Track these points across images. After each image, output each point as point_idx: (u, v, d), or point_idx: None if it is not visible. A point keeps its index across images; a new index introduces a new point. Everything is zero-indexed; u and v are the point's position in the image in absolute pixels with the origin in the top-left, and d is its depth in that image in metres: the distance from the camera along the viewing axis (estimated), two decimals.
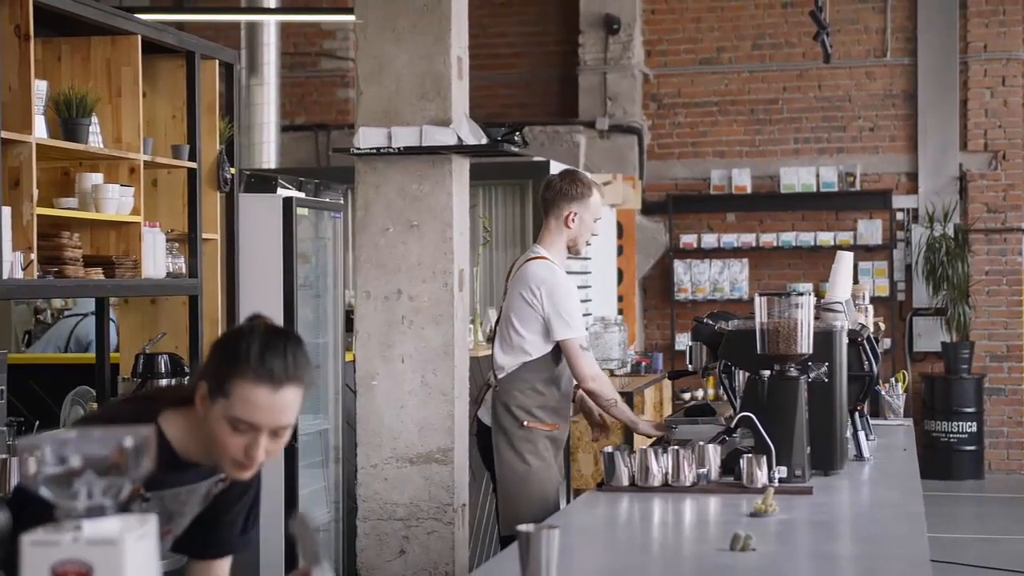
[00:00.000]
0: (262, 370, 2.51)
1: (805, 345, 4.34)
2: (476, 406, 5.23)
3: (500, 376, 5.04)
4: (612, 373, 10.22)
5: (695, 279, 12.71)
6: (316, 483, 6.62)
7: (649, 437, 4.89)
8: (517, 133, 5.73)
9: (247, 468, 2.60)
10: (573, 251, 5.18)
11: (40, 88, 4.63)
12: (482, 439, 5.17)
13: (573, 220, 5.07)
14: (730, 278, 12.64)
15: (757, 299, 4.40)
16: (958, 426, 12.01)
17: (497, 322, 5.28)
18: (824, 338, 4.49)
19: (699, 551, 3.46)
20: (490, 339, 8.32)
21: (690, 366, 5.17)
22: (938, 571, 8.33)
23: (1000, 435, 12.38)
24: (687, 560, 3.34)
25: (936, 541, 9.24)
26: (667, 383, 10.71)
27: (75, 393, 5.89)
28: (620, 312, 11.88)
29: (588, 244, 5.25)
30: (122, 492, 1.74)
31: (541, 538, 2.68)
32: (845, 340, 4.64)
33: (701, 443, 4.32)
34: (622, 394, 9.04)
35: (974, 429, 12.03)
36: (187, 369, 5.45)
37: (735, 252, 12.66)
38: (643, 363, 10.69)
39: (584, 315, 9.91)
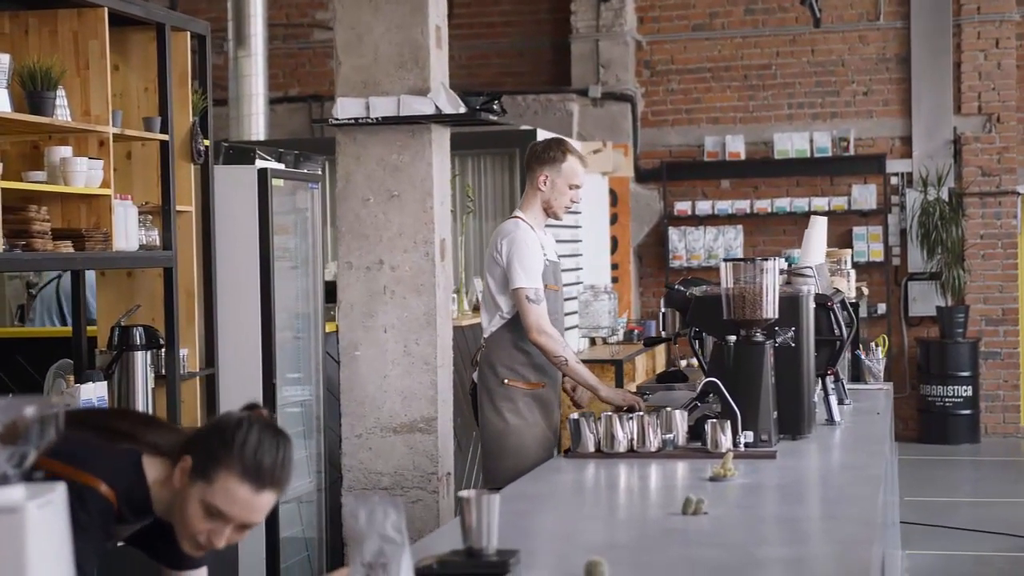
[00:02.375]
0: (252, 467, 2.57)
1: (771, 310, 4.34)
2: (474, 368, 5.31)
3: (485, 336, 5.18)
4: (604, 341, 10.24)
5: (690, 246, 12.70)
6: (299, 453, 6.65)
7: (613, 405, 4.88)
8: (495, 102, 5.73)
9: (202, 550, 2.66)
10: (551, 215, 5.24)
11: (3, 61, 4.62)
12: (475, 398, 5.29)
13: (545, 183, 5.18)
14: (725, 245, 12.63)
15: (723, 265, 4.40)
16: (954, 390, 12.01)
17: None
18: (790, 303, 4.49)
19: (650, 515, 3.47)
20: (476, 307, 8.36)
21: (663, 332, 5.18)
22: (934, 534, 8.37)
23: (996, 399, 12.39)
24: (637, 524, 3.36)
25: (932, 505, 9.30)
26: (659, 351, 10.72)
27: (57, 366, 5.91)
28: (615, 280, 11.88)
29: (569, 210, 5.31)
30: (26, 461, 1.75)
31: (482, 503, 2.70)
32: (812, 305, 4.64)
33: (668, 409, 4.33)
34: (613, 362, 9.14)
35: (970, 393, 12.03)
36: (162, 341, 5.46)
37: (730, 219, 12.65)
38: (636, 331, 10.70)
39: (574, 283, 9.96)
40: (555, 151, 5.22)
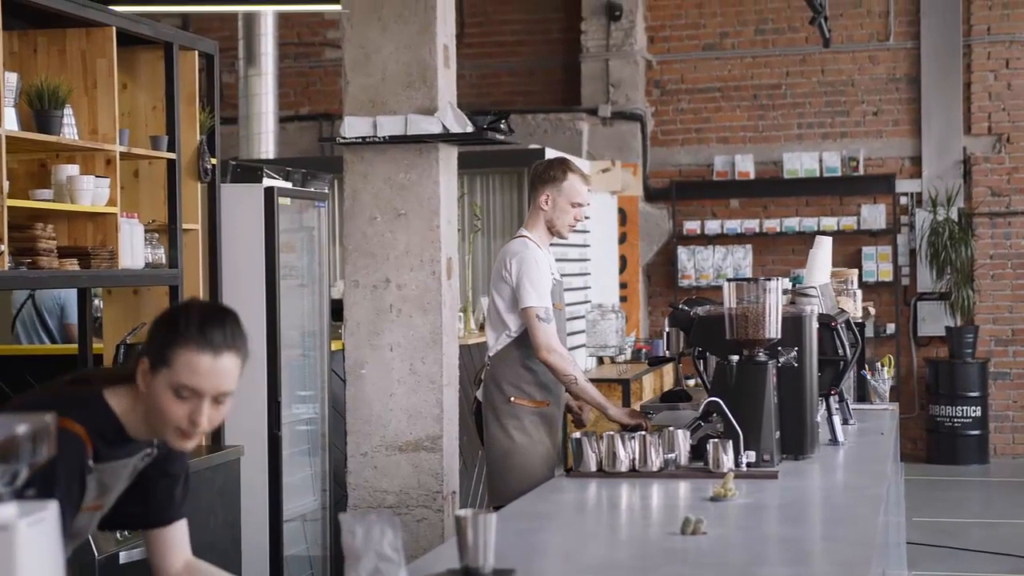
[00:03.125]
0: (203, 339, 2.65)
1: (773, 330, 4.34)
2: (476, 387, 5.33)
3: (491, 354, 5.20)
4: (612, 360, 10.24)
5: (699, 265, 12.70)
6: (303, 471, 6.66)
7: (621, 424, 4.92)
8: (503, 121, 5.74)
9: (189, 437, 2.71)
10: (555, 233, 5.27)
11: (10, 80, 4.65)
12: (478, 416, 5.31)
13: (547, 202, 5.22)
14: (734, 264, 12.63)
15: (725, 284, 4.41)
16: (963, 411, 11.98)
17: None
18: (793, 323, 4.48)
19: (649, 535, 3.47)
20: (482, 326, 8.36)
21: (667, 352, 5.18)
22: (942, 555, 8.35)
23: (1005, 419, 12.35)
24: (636, 544, 3.35)
25: (940, 525, 9.28)
26: (667, 370, 10.72)
27: None
28: (624, 299, 11.89)
29: (573, 228, 5.33)
30: (18, 478, 1.76)
31: (478, 522, 2.70)
32: (815, 325, 4.63)
33: (671, 428, 4.33)
34: (620, 381, 9.14)
35: (979, 413, 12.00)
36: None
37: (739, 238, 12.65)
38: (644, 350, 10.70)
39: (582, 302, 9.97)
40: (556, 170, 5.25)
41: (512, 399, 5.14)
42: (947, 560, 8.29)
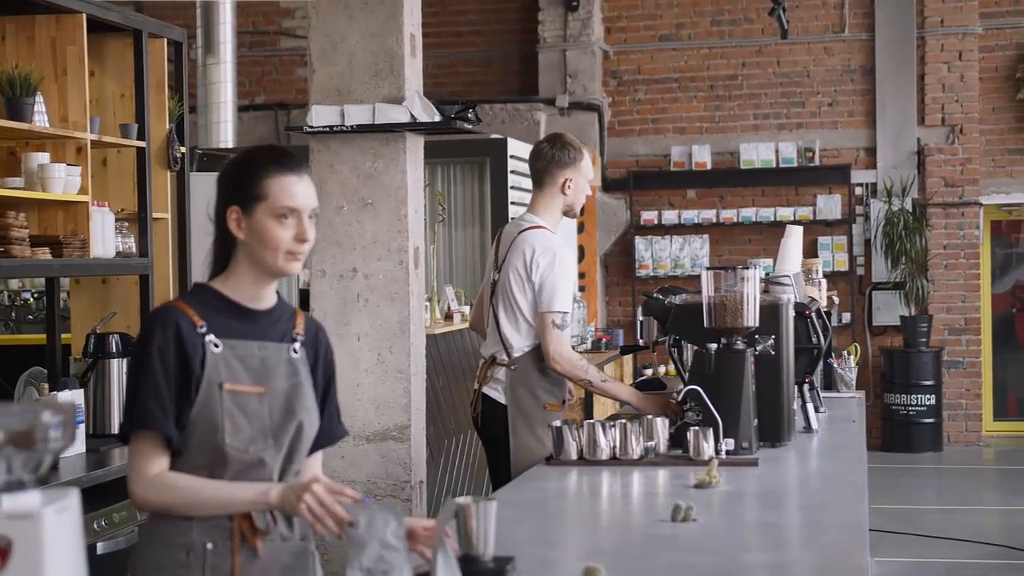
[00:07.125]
0: (283, 166, 2.85)
1: (751, 318, 4.37)
2: (479, 384, 4.99)
3: (516, 355, 4.86)
4: (574, 349, 10.26)
5: (656, 255, 12.75)
6: None
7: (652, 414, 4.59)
8: (470, 111, 5.73)
9: (298, 256, 2.86)
10: (571, 216, 5.03)
11: None
12: (489, 416, 4.96)
13: (569, 187, 4.92)
14: (691, 254, 12.69)
15: (704, 273, 4.43)
16: (917, 399, 12.11)
17: (493, 296, 4.98)
18: (771, 311, 4.51)
19: (640, 522, 3.48)
20: (448, 316, 8.35)
21: (641, 341, 5.20)
22: (897, 542, 8.43)
23: (959, 407, 12.50)
24: (627, 531, 3.37)
25: (895, 512, 9.37)
26: (627, 359, 10.76)
27: (28, 374, 5.86)
28: (582, 289, 11.92)
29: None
30: (42, 466, 1.74)
31: (479, 510, 2.70)
32: (792, 313, 4.67)
33: (650, 417, 4.35)
34: None
35: (933, 402, 12.14)
36: None
37: (696, 228, 12.71)
38: (604, 339, 10.74)
39: None
40: (572, 151, 4.93)
41: (546, 405, 4.86)
42: (906, 546, 8.38)
